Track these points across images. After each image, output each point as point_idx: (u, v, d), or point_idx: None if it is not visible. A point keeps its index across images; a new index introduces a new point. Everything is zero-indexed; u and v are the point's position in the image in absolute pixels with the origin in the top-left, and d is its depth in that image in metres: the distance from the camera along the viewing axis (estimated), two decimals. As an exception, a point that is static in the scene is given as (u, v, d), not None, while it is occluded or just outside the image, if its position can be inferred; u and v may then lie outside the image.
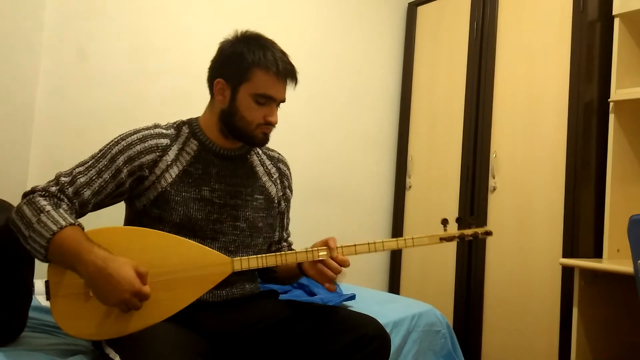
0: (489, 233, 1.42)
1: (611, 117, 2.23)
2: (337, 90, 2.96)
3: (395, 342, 1.77)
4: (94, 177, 1.29)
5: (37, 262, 1.28)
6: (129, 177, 1.33)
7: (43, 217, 1.18)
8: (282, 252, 1.33)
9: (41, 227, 1.17)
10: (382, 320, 1.39)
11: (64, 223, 1.18)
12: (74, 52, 2.11)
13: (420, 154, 3.05)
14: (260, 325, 1.36)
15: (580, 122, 2.31)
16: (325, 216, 2.86)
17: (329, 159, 2.93)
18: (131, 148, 1.34)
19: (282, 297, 1.67)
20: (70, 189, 1.27)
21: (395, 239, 1.37)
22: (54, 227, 1.16)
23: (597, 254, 2.28)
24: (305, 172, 2.74)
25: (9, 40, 1.93)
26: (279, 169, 1.58)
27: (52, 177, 1.29)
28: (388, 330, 1.41)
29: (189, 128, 1.44)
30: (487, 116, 2.68)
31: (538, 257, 2.42)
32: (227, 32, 1.43)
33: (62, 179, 1.28)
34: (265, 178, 1.52)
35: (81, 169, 1.30)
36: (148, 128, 1.40)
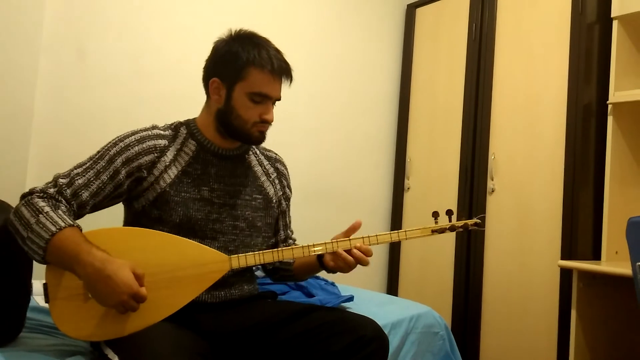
0: (478, 224, 1.44)
1: (610, 119, 2.23)
2: (336, 91, 2.96)
3: (393, 343, 1.77)
4: (92, 179, 1.29)
5: (35, 262, 1.28)
6: (127, 178, 1.34)
7: (42, 218, 1.18)
8: (279, 249, 1.34)
9: (40, 228, 1.16)
10: (380, 322, 1.39)
11: (62, 224, 1.18)
12: (73, 53, 2.11)
13: (419, 155, 3.05)
14: (259, 326, 1.36)
15: (578, 124, 2.31)
16: (323, 217, 2.86)
17: (327, 160, 2.93)
18: (129, 149, 1.34)
19: (280, 298, 1.67)
20: (68, 191, 1.26)
21: (388, 232, 1.39)
22: (53, 228, 1.16)
23: (596, 255, 2.28)
24: (304, 173, 2.74)
25: (8, 40, 1.93)
26: (276, 169, 1.58)
27: (51, 178, 1.29)
28: (386, 332, 1.41)
29: (187, 129, 1.44)
30: (486, 118, 2.69)
31: (537, 259, 2.42)
32: (223, 32, 1.44)
33: (60, 180, 1.28)
34: (263, 178, 1.53)
35: (79, 170, 1.30)
36: (146, 129, 1.40)
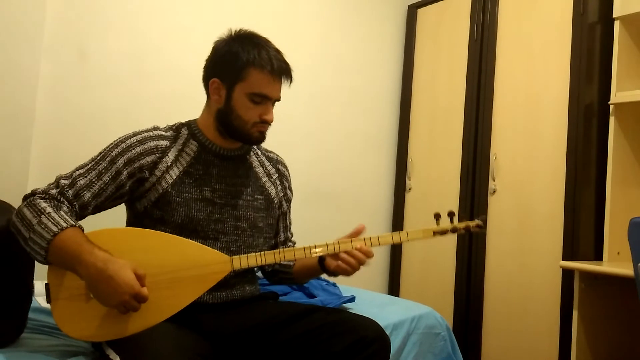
0: (480, 226, 1.44)
1: (611, 119, 2.23)
2: (338, 91, 2.96)
3: (395, 344, 1.77)
4: (94, 180, 1.30)
5: (37, 263, 1.29)
6: (129, 179, 1.34)
7: (43, 219, 1.18)
8: (281, 250, 1.34)
9: (42, 229, 1.17)
10: (381, 323, 1.39)
11: (64, 224, 1.18)
12: (74, 53, 2.11)
13: (420, 155, 3.05)
14: (260, 326, 1.36)
15: (580, 125, 2.31)
16: (324, 217, 2.86)
17: (328, 161, 2.93)
18: (131, 150, 1.34)
19: (282, 299, 1.67)
20: (70, 192, 1.27)
21: (390, 233, 1.39)
22: (55, 229, 1.16)
23: (598, 256, 2.28)
24: (305, 173, 2.74)
25: (9, 40, 1.93)
26: (278, 170, 1.58)
27: (53, 179, 1.30)
28: (388, 333, 1.41)
29: (188, 129, 1.45)
30: (487, 118, 2.68)
31: (538, 260, 2.42)
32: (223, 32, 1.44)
33: (62, 181, 1.28)
34: (265, 178, 1.53)
35: (81, 171, 1.31)
36: (147, 130, 1.40)
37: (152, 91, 2.29)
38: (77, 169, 1.31)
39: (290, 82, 1.43)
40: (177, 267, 1.25)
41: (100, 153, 1.35)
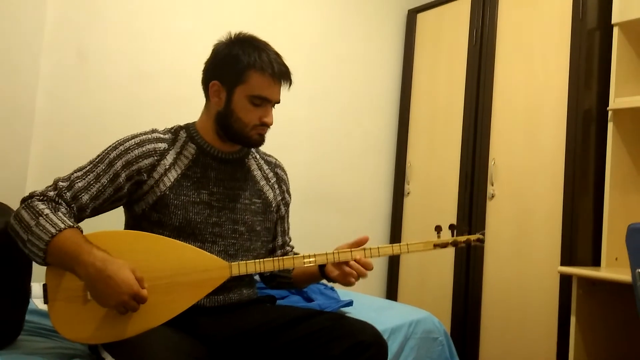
0: (481, 240, 1.45)
1: (610, 125, 2.23)
2: (337, 95, 2.97)
3: (392, 349, 1.76)
4: (92, 182, 1.30)
5: (34, 265, 1.28)
6: (127, 181, 1.34)
7: (42, 221, 1.18)
8: (280, 257, 1.34)
9: (40, 230, 1.17)
10: (379, 327, 1.39)
11: (62, 225, 1.18)
12: (73, 55, 2.11)
13: (419, 160, 3.05)
14: (258, 330, 1.36)
15: (579, 130, 2.31)
16: (323, 221, 2.86)
17: (328, 164, 2.93)
18: (129, 152, 1.34)
19: (279, 302, 1.67)
20: (68, 194, 1.27)
21: (390, 245, 1.39)
22: (53, 230, 1.16)
23: (596, 262, 2.28)
24: (305, 177, 2.74)
25: (9, 42, 1.93)
26: (276, 174, 1.58)
27: (51, 181, 1.30)
28: (385, 337, 1.41)
29: (187, 132, 1.45)
30: (486, 123, 2.69)
31: (536, 265, 2.42)
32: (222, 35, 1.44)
33: (60, 183, 1.28)
34: (263, 182, 1.53)
35: (79, 173, 1.31)
36: (146, 133, 1.40)
37: (151, 93, 2.29)
38: (75, 172, 1.32)
39: (290, 85, 1.44)
40: (176, 272, 1.25)
41: (98, 155, 1.35)
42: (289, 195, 1.63)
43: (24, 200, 1.25)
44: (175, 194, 1.36)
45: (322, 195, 2.89)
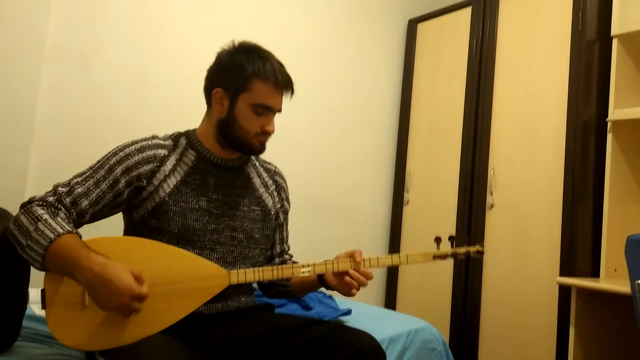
0: (481, 252, 1.45)
1: (609, 136, 2.24)
2: (337, 104, 2.97)
3: (390, 358, 1.75)
4: (91, 188, 1.30)
5: (32, 271, 1.28)
6: (126, 187, 1.34)
7: (40, 226, 1.18)
8: (279, 266, 1.34)
9: (38, 236, 1.16)
10: (377, 336, 1.39)
11: (61, 231, 1.18)
12: (75, 62, 2.12)
13: (418, 169, 3.05)
14: (256, 338, 1.35)
15: (578, 141, 2.32)
16: (323, 230, 2.86)
17: (327, 173, 2.93)
18: (129, 158, 1.34)
19: (277, 310, 1.66)
20: (67, 199, 1.27)
21: (389, 255, 1.40)
22: (52, 235, 1.16)
23: (595, 273, 2.27)
24: (304, 186, 2.74)
25: (11, 49, 1.94)
26: (275, 182, 1.59)
27: (51, 187, 1.30)
28: (384, 347, 1.40)
29: (187, 139, 1.45)
30: (486, 133, 2.69)
31: (535, 275, 2.42)
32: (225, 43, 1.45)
33: (60, 189, 1.28)
34: (262, 190, 1.53)
35: (79, 179, 1.31)
36: (146, 139, 1.40)
37: (152, 101, 2.29)
38: (75, 177, 1.31)
39: (292, 95, 1.44)
40: (174, 279, 1.24)
41: (98, 161, 1.35)
42: (288, 203, 1.63)
43: (23, 206, 1.25)
44: (175, 201, 1.36)
45: (322, 204, 2.89)
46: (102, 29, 2.18)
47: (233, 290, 1.40)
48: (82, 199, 1.28)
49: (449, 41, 2.97)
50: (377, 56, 3.16)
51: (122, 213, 1.41)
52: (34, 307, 1.68)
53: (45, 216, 1.20)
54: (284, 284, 1.56)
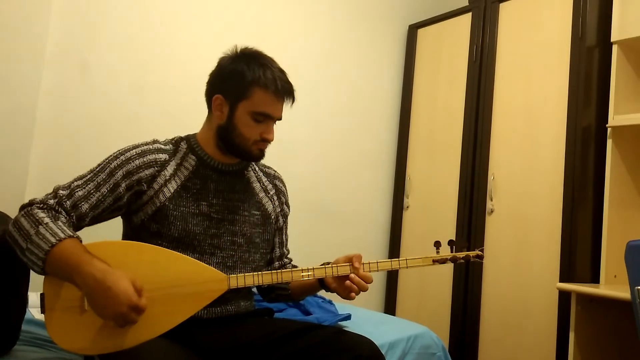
0: (480, 257, 1.45)
1: (609, 142, 2.24)
2: (338, 109, 2.98)
3: (390, 363, 1.75)
4: (92, 191, 1.30)
5: (31, 274, 1.28)
6: (127, 191, 1.34)
7: (41, 229, 1.17)
8: (278, 271, 1.33)
9: (39, 239, 1.16)
10: (377, 341, 1.38)
11: (62, 235, 1.17)
12: (75, 65, 2.12)
13: (418, 174, 3.05)
14: (255, 343, 1.35)
15: (578, 147, 2.32)
16: (322, 234, 2.86)
17: (327, 177, 2.94)
18: (130, 162, 1.34)
19: (277, 315, 1.66)
20: (68, 202, 1.26)
21: (389, 259, 1.40)
22: (53, 239, 1.16)
23: (594, 279, 2.27)
24: (304, 190, 2.74)
25: (11, 51, 1.94)
26: (275, 186, 1.59)
27: (51, 190, 1.29)
28: (383, 352, 1.40)
29: (187, 144, 1.45)
30: (486, 138, 2.70)
31: (535, 281, 2.41)
32: (227, 48, 1.45)
33: (60, 192, 1.28)
34: (262, 194, 1.53)
35: (79, 182, 1.30)
36: (147, 143, 1.41)
37: (151, 105, 2.30)
38: (75, 180, 1.31)
39: (293, 102, 1.44)
40: (174, 283, 1.24)
41: (99, 165, 1.35)
42: (288, 207, 1.63)
43: (23, 208, 1.25)
44: (175, 205, 1.36)
45: (322, 209, 2.89)
46: (102, 32, 2.19)
47: (232, 294, 1.40)
48: (83, 203, 1.28)
49: (449, 47, 2.98)
50: (377, 61, 3.17)
51: (121, 217, 1.41)
52: (33, 311, 1.68)
53: (47, 220, 1.20)
54: (283, 287, 1.56)
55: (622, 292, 1.84)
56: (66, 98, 2.10)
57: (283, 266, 1.60)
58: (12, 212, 1.31)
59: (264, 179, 1.57)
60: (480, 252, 1.45)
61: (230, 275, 1.29)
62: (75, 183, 1.30)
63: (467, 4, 3.03)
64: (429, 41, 3.14)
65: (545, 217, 2.41)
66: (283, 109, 1.43)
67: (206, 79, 1.46)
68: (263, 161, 1.56)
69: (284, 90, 1.40)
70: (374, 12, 3.14)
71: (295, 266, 1.61)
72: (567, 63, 2.41)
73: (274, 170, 1.63)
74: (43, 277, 1.20)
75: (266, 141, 1.41)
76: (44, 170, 2.02)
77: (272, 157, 1.55)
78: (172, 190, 1.37)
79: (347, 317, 2.01)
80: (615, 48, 2.27)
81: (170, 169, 1.39)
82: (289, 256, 1.65)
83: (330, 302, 2.17)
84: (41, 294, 1.19)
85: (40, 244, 1.16)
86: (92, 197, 1.29)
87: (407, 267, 1.40)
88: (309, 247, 2.52)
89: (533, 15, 2.59)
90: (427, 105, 3.07)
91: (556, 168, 2.39)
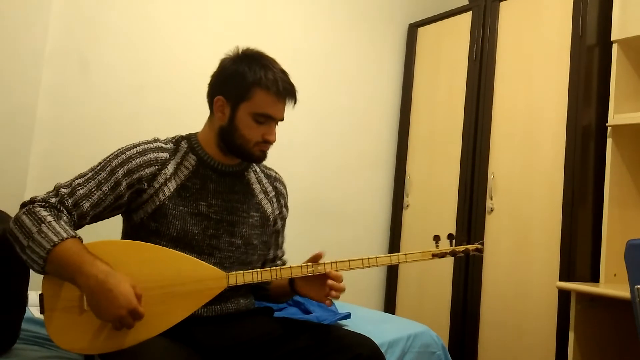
0: (480, 250, 1.44)
1: (609, 141, 2.24)
2: (338, 108, 2.98)
3: (390, 362, 1.76)
4: (93, 189, 1.30)
5: (31, 273, 1.28)
6: (127, 189, 1.34)
7: (44, 228, 1.17)
8: (277, 267, 1.33)
9: (41, 238, 1.16)
10: (377, 340, 1.39)
11: (65, 235, 1.17)
12: (75, 64, 2.12)
13: (418, 173, 3.06)
14: (255, 341, 1.35)
15: (578, 146, 2.32)
16: (323, 234, 2.86)
17: (327, 177, 2.94)
18: (131, 161, 1.34)
19: (277, 314, 1.66)
20: (69, 201, 1.27)
21: (388, 254, 1.38)
22: (55, 239, 1.16)
23: (594, 277, 2.27)
24: (304, 189, 2.75)
25: (11, 50, 1.94)
26: (275, 188, 1.58)
27: (51, 188, 1.29)
28: (383, 351, 1.40)
29: (188, 143, 1.45)
30: (486, 137, 2.70)
31: (535, 279, 2.41)
32: (227, 48, 1.45)
33: (62, 190, 1.28)
34: (261, 196, 1.53)
35: (80, 180, 1.30)
36: (147, 142, 1.41)
37: (151, 104, 2.29)
38: (76, 178, 1.31)
39: (294, 103, 1.44)
40: (173, 282, 1.24)
41: (100, 163, 1.35)
42: (287, 209, 1.62)
43: (24, 205, 1.25)
44: (174, 204, 1.36)
45: (322, 208, 2.89)
46: (102, 31, 2.19)
47: (231, 292, 1.40)
48: (84, 201, 1.28)
49: (449, 45, 2.98)
50: (377, 60, 3.17)
51: (121, 215, 1.41)
52: (33, 309, 1.68)
53: (49, 218, 1.20)
54: (264, 287, 1.54)
55: (622, 291, 1.84)
56: (66, 97, 2.10)
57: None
58: (12, 212, 1.31)
59: (265, 180, 1.56)
60: (479, 246, 1.44)
61: (229, 273, 1.29)
62: (77, 181, 1.30)
63: (467, 2, 3.03)
64: (429, 40, 3.14)
65: (545, 216, 2.41)
66: (284, 110, 1.43)
67: (206, 78, 1.45)
68: (265, 162, 1.55)
69: (286, 91, 1.39)
70: (373, 12, 3.14)
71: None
72: (567, 62, 2.41)
73: (275, 172, 1.62)
74: (43, 276, 1.20)
75: (268, 142, 1.41)
76: (43, 170, 2.02)
77: (271, 157, 1.54)
78: (172, 190, 1.37)
79: (347, 316, 2.01)
80: (615, 47, 2.27)
81: (170, 168, 1.39)
82: (283, 258, 1.64)
83: (330, 301, 2.17)
84: (40, 295, 1.19)
85: (42, 243, 1.16)
86: (93, 196, 1.29)
87: (406, 262, 1.38)
88: (308, 247, 2.51)
89: (533, 14, 2.59)
90: (427, 104, 3.07)
91: (556, 167, 2.39)
